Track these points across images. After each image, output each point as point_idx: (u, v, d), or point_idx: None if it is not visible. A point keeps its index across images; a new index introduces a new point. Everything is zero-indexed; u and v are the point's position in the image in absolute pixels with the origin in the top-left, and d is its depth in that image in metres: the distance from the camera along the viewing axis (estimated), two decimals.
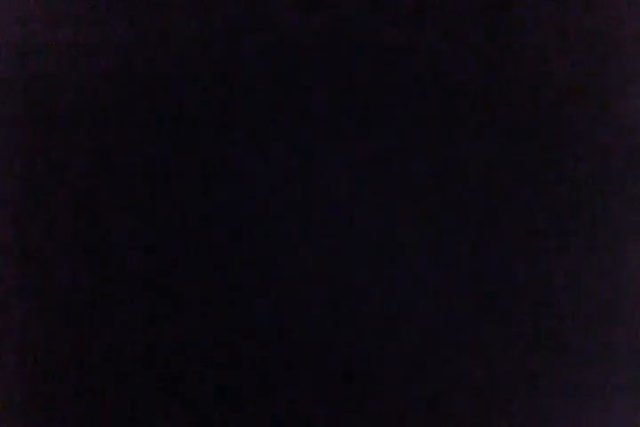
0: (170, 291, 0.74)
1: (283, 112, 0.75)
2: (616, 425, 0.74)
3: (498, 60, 0.75)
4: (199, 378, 0.73)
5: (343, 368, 0.73)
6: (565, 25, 0.76)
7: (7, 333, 0.75)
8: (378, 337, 0.74)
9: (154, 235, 0.74)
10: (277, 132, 0.75)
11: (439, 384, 0.73)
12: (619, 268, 0.75)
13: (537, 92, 0.75)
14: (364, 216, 0.74)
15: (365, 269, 0.74)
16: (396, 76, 0.75)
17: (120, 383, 0.74)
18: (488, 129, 0.75)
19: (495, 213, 0.74)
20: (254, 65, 0.75)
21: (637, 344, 0.75)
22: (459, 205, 0.74)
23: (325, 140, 0.75)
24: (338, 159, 0.74)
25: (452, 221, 0.74)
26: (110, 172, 0.75)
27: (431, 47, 0.75)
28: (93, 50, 0.76)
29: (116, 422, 0.74)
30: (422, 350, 0.73)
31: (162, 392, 0.74)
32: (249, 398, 0.73)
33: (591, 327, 0.74)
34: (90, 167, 0.75)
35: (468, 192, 0.74)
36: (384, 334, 0.73)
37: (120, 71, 0.76)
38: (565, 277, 0.74)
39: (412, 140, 0.75)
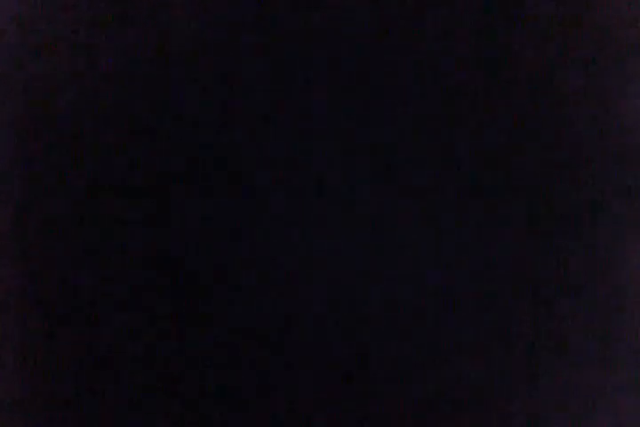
0: (170, 291, 0.74)
1: (283, 112, 0.75)
2: (616, 425, 0.74)
3: (498, 60, 0.75)
4: (199, 378, 0.73)
5: (343, 368, 0.73)
6: (565, 25, 0.76)
7: (7, 333, 0.75)
8: (378, 337, 0.74)
9: (154, 235, 0.74)
10: (277, 132, 0.75)
11: (439, 384, 0.73)
12: (619, 268, 0.75)
13: (537, 92, 0.75)
14: (364, 216, 0.74)
15: (365, 269, 0.74)
16: (396, 76, 0.75)
17: (120, 383, 0.74)
18: (488, 129, 0.75)
19: (495, 212, 0.74)
20: (254, 65, 0.75)
21: (637, 344, 0.75)
22: (459, 204, 0.74)
23: (325, 139, 0.75)
24: (338, 159, 0.75)
25: (452, 220, 0.74)
26: (110, 172, 0.75)
27: (431, 47, 0.75)
28: (93, 50, 0.76)
29: (116, 423, 0.74)
30: (422, 349, 0.73)
31: (162, 392, 0.74)
32: (249, 398, 0.73)
33: (591, 327, 0.74)
34: (90, 167, 0.75)
35: (467, 192, 0.74)
36: (384, 333, 0.74)
37: (120, 71, 0.76)
38: (565, 277, 0.74)
39: (412, 140, 0.75)
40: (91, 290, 0.74)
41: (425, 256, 0.74)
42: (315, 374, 0.73)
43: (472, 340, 0.73)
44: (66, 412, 0.74)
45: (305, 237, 0.74)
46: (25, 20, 0.77)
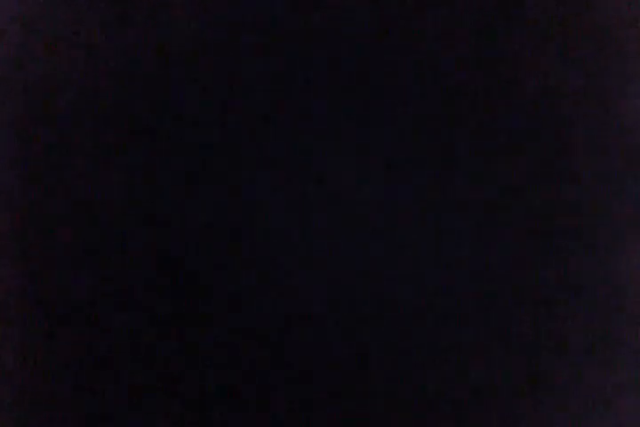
0: (170, 291, 0.74)
1: (283, 112, 0.75)
2: (616, 425, 0.74)
3: (498, 60, 0.75)
4: (199, 378, 0.73)
5: (343, 368, 0.73)
6: (565, 25, 0.76)
7: (7, 333, 0.75)
8: (378, 337, 0.74)
9: (154, 235, 0.74)
10: (277, 132, 0.75)
11: (439, 384, 0.73)
12: (619, 268, 0.75)
13: (537, 92, 0.75)
14: (364, 216, 0.74)
15: (365, 269, 0.74)
16: (395, 76, 0.75)
17: (120, 383, 0.74)
18: (488, 129, 0.75)
19: (495, 213, 0.74)
20: (254, 65, 0.75)
21: (637, 344, 0.75)
22: (459, 204, 0.74)
23: (325, 139, 0.75)
24: (338, 159, 0.75)
25: (452, 220, 0.74)
26: (110, 172, 0.75)
27: (431, 47, 0.75)
28: (93, 50, 0.76)
29: (116, 422, 0.74)
30: (422, 349, 0.73)
31: (162, 392, 0.74)
32: (249, 398, 0.73)
33: (591, 327, 0.74)
34: (90, 167, 0.75)
35: (467, 192, 0.74)
36: (384, 333, 0.74)
37: (120, 71, 0.76)
38: (565, 277, 0.74)
39: (411, 140, 0.75)
40: (91, 290, 0.74)
41: (425, 256, 0.74)
42: (315, 374, 0.73)
43: (472, 340, 0.74)
44: (66, 412, 0.74)
45: (305, 237, 0.74)
46: (25, 20, 0.77)
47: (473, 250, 0.74)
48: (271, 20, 0.75)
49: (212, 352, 0.74)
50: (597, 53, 0.76)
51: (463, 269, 0.74)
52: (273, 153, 0.75)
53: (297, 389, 0.73)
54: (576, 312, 0.74)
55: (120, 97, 0.75)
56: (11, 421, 0.75)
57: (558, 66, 0.76)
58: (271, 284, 0.74)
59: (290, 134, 0.75)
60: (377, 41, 0.75)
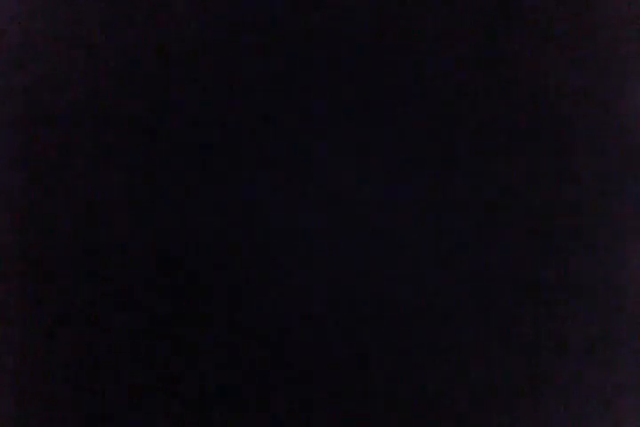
0: (170, 291, 0.74)
1: (283, 112, 0.75)
2: (616, 425, 0.74)
3: (498, 60, 0.75)
4: (199, 378, 0.73)
5: (343, 368, 0.73)
6: (565, 25, 0.76)
7: (7, 333, 0.75)
8: (378, 337, 0.74)
9: (154, 235, 0.74)
10: (277, 132, 0.75)
11: (439, 384, 0.73)
12: (619, 268, 0.75)
13: (537, 92, 0.75)
14: (364, 216, 0.74)
15: (365, 269, 0.74)
16: (396, 76, 0.75)
17: (120, 383, 0.74)
18: (488, 129, 0.75)
19: (495, 213, 0.74)
20: (254, 65, 0.75)
21: (637, 344, 0.75)
22: (459, 204, 0.74)
23: (325, 139, 0.75)
24: (338, 159, 0.75)
25: (452, 220, 0.74)
26: (110, 172, 0.75)
27: (431, 47, 0.75)
28: (93, 50, 0.76)
29: (116, 423, 0.74)
30: (422, 349, 0.73)
31: (162, 392, 0.74)
32: (249, 398, 0.73)
33: (591, 327, 0.74)
34: (90, 167, 0.75)
35: (467, 192, 0.74)
36: (384, 333, 0.74)
37: (120, 71, 0.76)
38: (565, 277, 0.74)
39: (411, 140, 0.75)
40: (91, 290, 0.74)
41: (425, 256, 0.74)
42: (315, 374, 0.73)
43: (472, 340, 0.74)
44: (66, 412, 0.74)
45: (305, 237, 0.74)
46: (25, 20, 0.77)
47: (473, 250, 0.74)
48: (271, 20, 0.75)
49: (212, 352, 0.74)
50: (597, 53, 0.76)
51: (463, 269, 0.74)
52: (273, 153, 0.75)
53: (297, 389, 0.73)
54: (576, 312, 0.74)
55: (120, 97, 0.75)
56: (11, 421, 0.75)
57: (558, 66, 0.76)
58: (271, 284, 0.74)
59: (290, 134, 0.75)
60: (377, 41, 0.75)
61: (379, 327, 0.74)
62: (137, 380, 0.74)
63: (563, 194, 0.75)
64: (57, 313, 0.75)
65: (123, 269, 0.74)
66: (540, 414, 0.74)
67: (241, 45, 0.75)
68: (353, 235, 0.74)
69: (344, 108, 0.75)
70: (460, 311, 0.74)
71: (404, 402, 0.73)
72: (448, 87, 0.75)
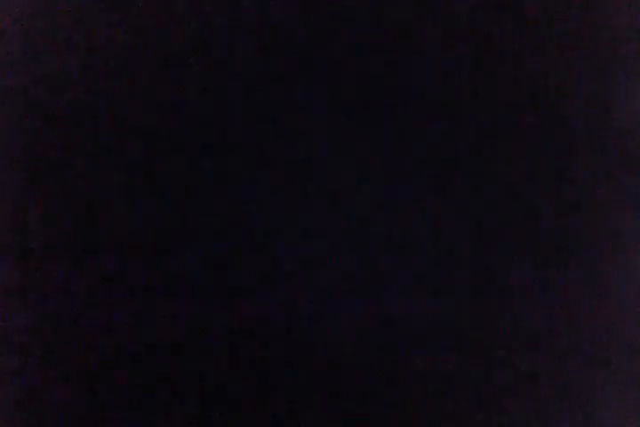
0: (170, 291, 0.74)
1: (283, 112, 0.75)
2: (616, 425, 0.74)
3: (498, 60, 0.75)
4: (199, 378, 0.73)
5: (343, 368, 0.73)
6: (565, 25, 0.76)
7: (7, 333, 0.75)
8: (378, 337, 0.74)
9: (154, 235, 0.74)
10: (277, 132, 0.75)
11: (439, 384, 0.73)
12: (619, 268, 0.75)
13: (537, 92, 0.75)
14: (364, 216, 0.74)
15: (365, 269, 0.74)
16: (396, 76, 0.75)
17: (120, 383, 0.74)
18: (488, 129, 0.75)
19: (495, 213, 0.74)
20: (254, 65, 0.75)
21: (637, 344, 0.75)
22: (458, 204, 0.74)
23: (325, 139, 0.75)
24: (338, 159, 0.75)
25: (452, 220, 0.74)
26: (110, 172, 0.75)
27: (431, 47, 0.75)
28: (93, 50, 0.76)
29: (116, 423, 0.74)
30: (422, 349, 0.73)
31: (162, 392, 0.74)
32: (249, 398, 0.73)
33: (591, 327, 0.74)
34: (90, 167, 0.75)
35: (467, 192, 0.74)
36: (384, 334, 0.74)
37: (120, 71, 0.76)
38: (565, 277, 0.74)
39: (411, 140, 0.75)
40: (91, 290, 0.74)
41: (425, 256, 0.74)
42: (315, 374, 0.73)
43: (471, 339, 0.73)
44: (66, 412, 0.74)
45: (305, 237, 0.74)
46: (25, 20, 0.77)
47: (473, 250, 0.74)
48: (271, 20, 0.75)
49: (212, 352, 0.74)
50: (597, 53, 0.76)
51: (463, 268, 0.74)
52: (273, 153, 0.74)
53: (297, 389, 0.73)
54: (576, 312, 0.74)
55: (120, 97, 0.75)
56: (11, 421, 0.75)
57: (558, 66, 0.76)
58: (271, 284, 0.74)
59: (290, 134, 0.75)
60: (377, 41, 0.75)
61: (379, 327, 0.74)
62: (137, 380, 0.74)
63: (563, 194, 0.75)
64: (57, 313, 0.75)
65: (123, 269, 0.74)
66: (540, 414, 0.74)
67: (241, 45, 0.75)
68: (353, 235, 0.74)
69: (344, 108, 0.75)
70: (460, 311, 0.74)
71: (403, 402, 0.73)
72: (448, 87, 0.75)
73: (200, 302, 0.74)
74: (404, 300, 0.74)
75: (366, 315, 0.74)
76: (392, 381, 0.73)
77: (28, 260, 0.75)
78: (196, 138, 0.75)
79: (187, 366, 0.73)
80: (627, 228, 0.75)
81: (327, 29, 0.75)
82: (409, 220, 0.74)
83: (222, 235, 0.74)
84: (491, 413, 0.74)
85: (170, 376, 0.73)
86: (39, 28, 0.77)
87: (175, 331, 0.74)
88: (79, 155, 0.75)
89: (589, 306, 0.75)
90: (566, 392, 0.74)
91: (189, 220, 0.74)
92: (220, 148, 0.75)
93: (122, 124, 0.75)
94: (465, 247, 0.74)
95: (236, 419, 0.73)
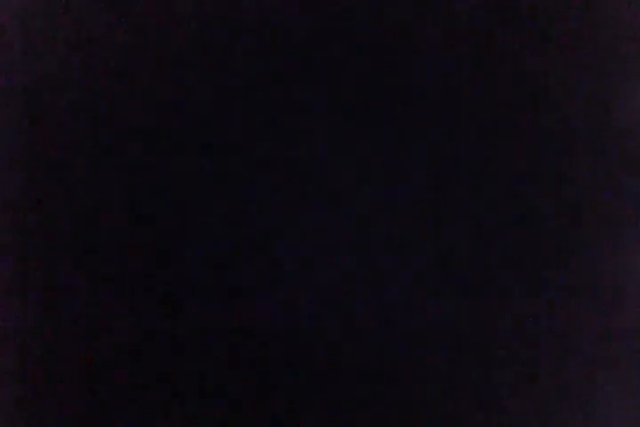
0: (170, 291, 0.74)
1: (283, 112, 0.75)
2: (616, 425, 0.74)
3: (498, 60, 0.75)
4: (199, 378, 0.73)
5: (343, 368, 0.73)
6: (565, 25, 0.76)
7: (7, 333, 0.75)
8: (378, 337, 0.74)
9: (154, 235, 0.74)
10: (277, 132, 0.75)
11: (439, 384, 0.73)
12: (619, 268, 0.75)
13: (537, 92, 0.75)
14: (364, 216, 0.74)
15: (365, 269, 0.74)
16: (396, 76, 0.75)
17: (120, 383, 0.74)
18: (488, 129, 0.75)
19: (495, 213, 0.74)
20: (254, 65, 0.75)
21: (637, 344, 0.75)
22: (458, 204, 0.74)
23: (325, 139, 0.75)
24: (338, 159, 0.74)
25: (453, 220, 0.74)
26: (110, 172, 0.75)
27: (431, 47, 0.75)
28: (93, 50, 0.76)
29: (116, 423, 0.74)
30: (422, 349, 0.73)
31: (162, 392, 0.74)
32: (249, 398, 0.73)
33: (591, 327, 0.74)
34: (90, 167, 0.75)
35: (467, 192, 0.74)
36: (384, 334, 0.73)
37: (120, 71, 0.76)
38: (565, 276, 0.74)
39: (411, 140, 0.75)
40: (91, 290, 0.74)
41: (425, 256, 0.74)
42: (315, 374, 0.73)
43: (472, 339, 0.73)
44: (66, 412, 0.74)
45: (305, 237, 0.74)
46: (25, 20, 0.77)
47: (473, 250, 0.74)
48: (271, 19, 0.75)
49: (212, 352, 0.74)
50: (597, 53, 0.76)
51: (463, 269, 0.74)
52: (273, 153, 0.74)
53: (297, 389, 0.73)
54: (576, 312, 0.74)
55: (120, 97, 0.75)
56: (11, 421, 0.75)
57: (558, 66, 0.76)
58: (271, 284, 0.74)
59: (290, 134, 0.75)
60: (377, 41, 0.75)
61: (379, 327, 0.74)
62: (137, 380, 0.74)
63: (563, 194, 0.75)
64: (57, 313, 0.75)
65: (123, 269, 0.74)
66: (540, 414, 0.74)
67: (241, 45, 0.75)
68: (353, 235, 0.74)
69: (344, 108, 0.75)
70: (460, 311, 0.74)
71: (403, 402, 0.73)
72: (448, 87, 0.75)
73: (200, 302, 0.74)
74: (404, 300, 0.74)
75: (366, 315, 0.74)
76: (392, 381, 0.73)
77: (28, 260, 0.75)
78: (196, 138, 0.75)
79: (187, 366, 0.73)
80: (627, 228, 0.75)
81: (327, 29, 0.75)
82: (409, 220, 0.74)
83: (222, 235, 0.74)
84: (491, 413, 0.74)
85: (170, 376, 0.73)
86: (39, 28, 0.77)
87: (175, 331, 0.74)
88: (79, 155, 0.75)
89: (589, 306, 0.75)
90: (566, 392, 0.74)
91: (189, 220, 0.74)
92: (219, 148, 0.75)
93: (122, 124, 0.75)
94: (465, 247, 0.74)
95: (236, 419, 0.73)
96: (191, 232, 0.74)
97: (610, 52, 0.76)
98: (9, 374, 0.75)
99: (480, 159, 0.75)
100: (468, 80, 0.75)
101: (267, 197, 0.74)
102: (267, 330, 0.73)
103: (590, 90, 0.76)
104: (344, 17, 0.75)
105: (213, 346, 0.74)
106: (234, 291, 0.74)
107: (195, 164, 0.75)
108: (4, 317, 0.75)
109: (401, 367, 0.73)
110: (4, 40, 0.77)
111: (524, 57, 0.75)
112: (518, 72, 0.75)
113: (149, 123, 0.75)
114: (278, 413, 0.73)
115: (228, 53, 0.75)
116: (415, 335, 0.73)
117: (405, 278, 0.74)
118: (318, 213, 0.74)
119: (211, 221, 0.74)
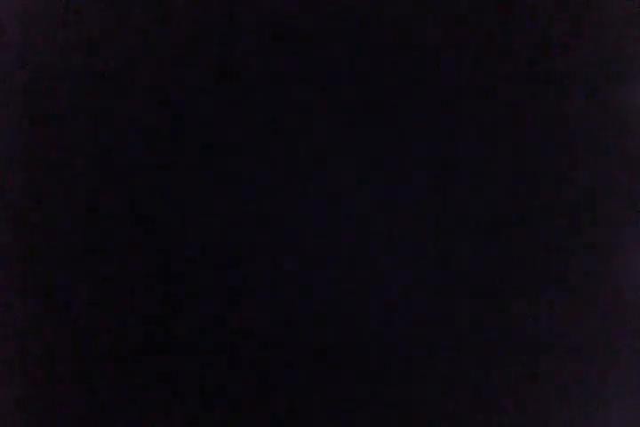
0: (170, 291, 0.74)
1: (283, 112, 0.75)
2: (616, 425, 0.74)
3: (498, 60, 0.75)
4: (199, 378, 0.73)
5: (343, 368, 0.73)
6: (566, 25, 0.76)
7: (7, 332, 0.75)
8: (378, 337, 0.74)
9: (154, 235, 0.74)
10: (277, 132, 0.75)
11: (439, 384, 0.73)
12: (619, 268, 0.75)
13: (537, 92, 0.75)
14: (364, 216, 0.74)
15: (365, 269, 0.74)
16: (396, 76, 0.75)
17: (120, 383, 0.74)
18: (488, 129, 0.75)
19: (495, 213, 0.74)
20: (254, 65, 0.75)
21: (637, 344, 0.75)
22: (458, 204, 0.74)
23: (325, 139, 0.75)
24: (338, 159, 0.75)
25: (452, 220, 0.74)
26: (110, 172, 0.75)
27: (431, 47, 0.75)
28: (93, 50, 0.76)
29: (117, 422, 0.74)
30: (422, 349, 0.73)
31: (162, 392, 0.74)
32: (249, 398, 0.73)
33: (591, 327, 0.74)
34: (90, 167, 0.75)
35: (467, 192, 0.74)
36: (384, 333, 0.74)
37: (120, 71, 0.76)
38: (565, 276, 0.74)
39: (411, 140, 0.75)
40: (91, 290, 0.74)
41: (425, 256, 0.74)
42: (315, 374, 0.73)
43: (472, 340, 0.74)
44: (66, 412, 0.74)
45: (305, 237, 0.74)
46: (25, 20, 0.77)
47: (473, 250, 0.74)
48: (271, 19, 0.75)
49: (212, 352, 0.74)
50: (597, 53, 0.76)
51: (463, 269, 0.74)
52: (273, 153, 0.75)
53: (297, 389, 0.73)
54: (576, 312, 0.74)
55: (120, 97, 0.75)
56: (11, 421, 0.75)
57: (558, 66, 0.76)
58: (271, 284, 0.74)
59: (290, 134, 0.75)
60: (377, 41, 0.75)
61: (379, 327, 0.74)
62: (137, 380, 0.74)
63: (563, 194, 0.75)
64: (57, 313, 0.75)
65: (123, 269, 0.74)
66: (540, 414, 0.74)
67: (241, 45, 0.75)
68: (353, 235, 0.74)
69: (344, 108, 0.75)
70: (460, 311, 0.74)
71: (403, 402, 0.73)
72: (448, 87, 0.75)
73: (200, 301, 0.74)
74: (404, 300, 0.74)
75: (366, 315, 0.74)
76: (392, 381, 0.73)
77: (28, 260, 0.75)
78: (196, 138, 0.75)
79: (187, 366, 0.73)
80: (627, 228, 0.75)
81: (327, 29, 0.75)
82: (409, 220, 0.74)
83: (222, 235, 0.74)
84: (491, 413, 0.74)
85: (170, 376, 0.73)
86: (39, 27, 0.77)
87: (175, 331, 0.74)
88: (79, 155, 0.75)
89: (589, 306, 0.75)
90: (566, 392, 0.74)
91: (189, 220, 0.74)
92: (220, 148, 0.75)
93: (122, 124, 0.75)
94: (465, 247, 0.74)
95: (236, 419, 0.73)
96: (191, 232, 0.74)
97: (610, 51, 0.76)
98: (9, 374, 0.75)
99: (480, 159, 0.75)
100: (468, 80, 0.75)
101: (267, 197, 0.74)
102: (267, 330, 0.73)
103: (590, 90, 0.76)
104: (344, 17, 0.75)
105: (213, 346, 0.74)
106: (234, 291, 0.74)
107: (195, 164, 0.75)
108: (4, 317, 0.75)
109: (401, 367, 0.73)
110: (4, 40, 0.77)
111: (524, 57, 0.75)
112: (518, 72, 0.75)
113: (149, 123, 0.75)
114: (278, 413, 0.73)
115: (228, 53, 0.75)
116: (415, 335, 0.74)
117: (405, 278, 0.74)
118: (318, 213, 0.74)
119: (211, 221, 0.74)
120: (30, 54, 0.77)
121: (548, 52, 0.76)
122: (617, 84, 0.76)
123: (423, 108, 0.75)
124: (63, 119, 0.76)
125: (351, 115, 0.75)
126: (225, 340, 0.74)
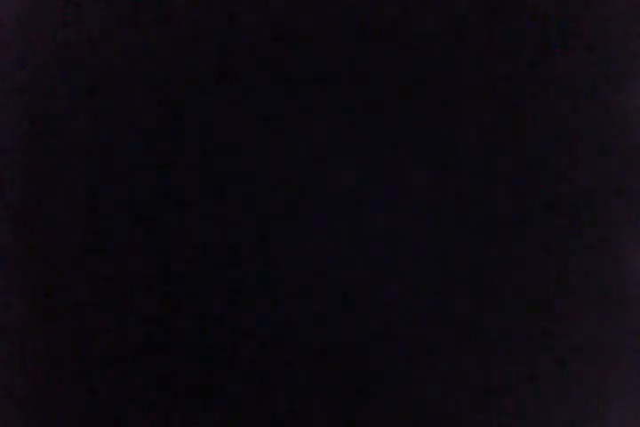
0: (170, 291, 0.74)
1: (283, 112, 0.75)
2: (616, 425, 0.74)
3: (498, 59, 0.75)
4: (199, 378, 0.73)
5: (343, 368, 0.73)
6: (566, 25, 0.76)
7: (7, 333, 0.75)
8: (378, 337, 0.74)
9: (154, 235, 0.74)
10: (277, 132, 0.75)
11: (439, 384, 0.73)
12: (619, 268, 0.75)
13: (537, 92, 0.75)
14: (363, 216, 0.74)
15: (365, 269, 0.74)
16: (396, 76, 0.75)
17: (120, 383, 0.74)
18: (488, 129, 0.75)
19: (494, 213, 0.74)
20: (254, 65, 0.75)
21: (637, 344, 0.75)
22: (458, 204, 0.74)
23: (325, 139, 0.75)
24: (338, 159, 0.75)
25: (452, 220, 0.74)
26: (110, 172, 0.75)
27: (431, 47, 0.75)
28: (93, 50, 0.76)
29: (117, 422, 0.74)
30: (422, 349, 0.74)
31: (162, 392, 0.74)
32: (249, 398, 0.73)
33: (591, 327, 0.74)
34: (90, 167, 0.75)
35: (467, 192, 0.74)
36: (384, 333, 0.74)
37: (120, 71, 0.76)
38: (565, 277, 0.74)
39: (411, 140, 0.75)
40: (91, 289, 0.74)
41: (425, 256, 0.74)
42: (315, 374, 0.73)
43: (472, 340, 0.74)
44: (66, 412, 0.74)
45: (305, 237, 0.74)
46: (25, 19, 0.77)
47: (473, 250, 0.74)
48: (271, 19, 0.75)
49: (212, 352, 0.74)
50: (597, 53, 0.76)
51: (463, 269, 0.74)
52: (273, 153, 0.75)
53: (296, 389, 0.73)
54: (576, 312, 0.74)
55: (120, 97, 0.75)
56: (11, 421, 0.75)
57: (558, 65, 0.76)
58: (271, 284, 0.74)
59: (290, 134, 0.75)
60: (377, 41, 0.75)
61: (379, 327, 0.74)
62: (137, 380, 0.74)
63: (563, 194, 0.75)
64: (58, 313, 0.75)
65: (123, 269, 0.74)
66: (540, 414, 0.74)
67: (241, 45, 0.75)
68: (353, 235, 0.74)
69: (344, 108, 0.75)
70: (460, 311, 0.74)
71: (403, 402, 0.73)
72: (448, 87, 0.75)
73: (200, 301, 0.74)
74: (404, 300, 0.74)
75: (366, 315, 0.74)
76: (392, 381, 0.73)
77: (28, 260, 0.75)
78: (196, 138, 0.75)
79: (187, 366, 0.74)
80: (627, 228, 0.75)
81: (327, 29, 0.75)
82: (409, 220, 0.74)
83: (222, 235, 0.74)
84: (491, 413, 0.74)
85: (170, 376, 0.73)
86: (39, 27, 0.77)
87: (175, 331, 0.74)
88: (79, 155, 0.75)
89: (589, 306, 0.75)
90: (566, 392, 0.74)
91: (189, 220, 0.74)
92: (220, 148, 0.75)
93: (122, 123, 0.75)
94: (465, 247, 0.74)
95: (236, 419, 0.74)
96: (191, 232, 0.74)
97: (610, 51, 0.76)
98: (9, 374, 0.75)
99: (480, 159, 0.75)
100: (468, 80, 0.75)
101: (267, 196, 0.74)
102: (267, 330, 0.73)
103: (590, 90, 0.76)
104: (344, 17, 0.75)
105: (213, 346, 0.74)
106: (234, 291, 0.74)
107: (195, 164, 0.75)
108: (4, 317, 0.75)
109: (401, 367, 0.73)
110: (4, 40, 0.77)
111: (524, 57, 0.75)
112: (518, 72, 0.75)
113: (149, 123, 0.75)
114: (278, 413, 0.73)
115: (228, 53, 0.75)
116: (415, 335, 0.74)
117: (405, 278, 0.74)
118: (318, 213, 0.74)
119: (211, 220, 0.74)
120: (30, 54, 0.77)
121: (548, 52, 0.76)
122: (617, 84, 0.76)
123: (423, 108, 0.75)
124: (63, 119, 0.76)
125: (351, 115, 0.75)
126: (225, 340, 0.74)
